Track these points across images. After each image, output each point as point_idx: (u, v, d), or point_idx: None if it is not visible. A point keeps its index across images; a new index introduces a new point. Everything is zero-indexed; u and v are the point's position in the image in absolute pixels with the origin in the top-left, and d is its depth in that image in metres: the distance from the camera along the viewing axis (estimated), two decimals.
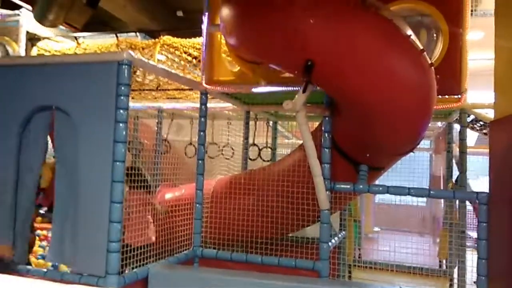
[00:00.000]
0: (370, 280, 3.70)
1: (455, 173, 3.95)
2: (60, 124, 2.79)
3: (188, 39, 4.95)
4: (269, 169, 3.71)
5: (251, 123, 4.35)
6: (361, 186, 3.06)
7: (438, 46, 3.00)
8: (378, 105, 2.54)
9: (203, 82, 3.48)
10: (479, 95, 3.70)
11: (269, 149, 4.43)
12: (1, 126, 2.88)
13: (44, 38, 6.16)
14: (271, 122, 4.62)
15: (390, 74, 2.48)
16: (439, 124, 4.90)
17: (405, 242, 3.80)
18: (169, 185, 3.97)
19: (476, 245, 2.84)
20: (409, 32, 2.49)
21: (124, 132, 2.59)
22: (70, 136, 2.71)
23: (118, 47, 5.23)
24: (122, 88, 2.59)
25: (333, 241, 3.50)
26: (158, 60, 4.88)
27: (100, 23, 7.38)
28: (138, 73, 4.73)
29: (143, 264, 2.93)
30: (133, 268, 2.86)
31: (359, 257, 4.94)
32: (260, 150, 4.28)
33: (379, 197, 8.18)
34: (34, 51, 6.04)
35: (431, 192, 3.13)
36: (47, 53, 5.86)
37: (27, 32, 6.10)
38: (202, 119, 3.51)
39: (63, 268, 4.11)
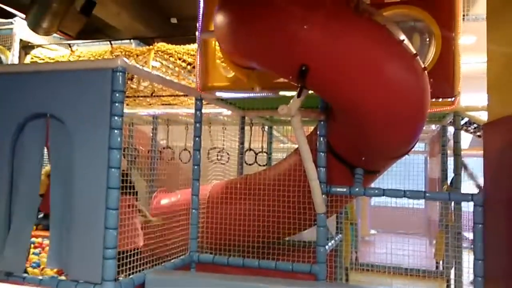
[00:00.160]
0: (367, 283, 3.70)
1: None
2: (55, 131, 2.77)
3: (183, 45, 4.95)
4: (265, 174, 3.71)
5: (247, 128, 4.36)
6: (357, 189, 3.07)
7: (431, 51, 3.01)
8: (372, 109, 2.56)
9: (198, 88, 3.49)
10: (472, 98, 3.73)
11: (265, 154, 4.44)
12: None
13: (37, 46, 6.13)
14: (266, 127, 4.63)
15: (384, 78, 2.50)
16: (433, 127, 4.93)
17: (402, 244, 3.82)
18: (166, 190, 3.96)
19: (472, 246, 2.85)
20: (402, 37, 2.51)
21: (119, 139, 2.58)
22: (65, 143, 2.69)
23: (112, 54, 5.22)
24: (117, 95, 2.59)
25: (329, 244, 3.51)
26: (153, 66, 4.88)
27: (94, 30, 7.37)
28: (134, 79, 4.73)
29: (133, 272, 2.88)
30: (127, 276, 2.83)
31: (356, 260, 4.94)
32: (256, 154, 4.29)
33: (375, 200, 8.20)
34: (28, 59, 6.01)
35: (427, 194, 3.15)
36: (40, 61, 5.84)
37: (21, 40, 6.08)
38: (197, 124, 3.52)
39: (50, 273, 4.11)
